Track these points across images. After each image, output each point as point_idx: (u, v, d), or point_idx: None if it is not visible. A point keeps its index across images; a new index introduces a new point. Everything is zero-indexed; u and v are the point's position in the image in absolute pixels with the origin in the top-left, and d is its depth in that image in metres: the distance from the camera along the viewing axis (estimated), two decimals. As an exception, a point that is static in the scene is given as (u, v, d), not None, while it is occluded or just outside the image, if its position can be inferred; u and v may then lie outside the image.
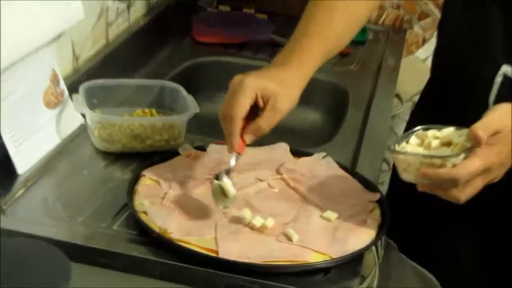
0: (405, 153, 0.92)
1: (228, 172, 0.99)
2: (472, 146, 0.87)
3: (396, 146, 0.95)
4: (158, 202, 1.01)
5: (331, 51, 1.06)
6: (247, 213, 0.98)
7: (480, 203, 0.90)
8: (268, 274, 0.91)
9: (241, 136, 0.98)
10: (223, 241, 0.94)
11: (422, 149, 0.93)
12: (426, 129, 0.96)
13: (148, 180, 1.07)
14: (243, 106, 0.94)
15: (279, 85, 0.97)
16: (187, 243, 0.93)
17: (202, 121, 1.33)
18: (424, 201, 0.96)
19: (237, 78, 0.97)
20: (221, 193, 0.98)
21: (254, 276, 0.90)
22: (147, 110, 1.26)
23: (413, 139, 0.95)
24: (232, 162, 1.00)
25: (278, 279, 0.90)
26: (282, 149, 1.19)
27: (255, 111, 0.98)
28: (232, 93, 0.95)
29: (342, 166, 1.16)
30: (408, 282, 1.19)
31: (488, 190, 0.89)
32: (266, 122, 0.97)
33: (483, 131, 0.86)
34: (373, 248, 1.09)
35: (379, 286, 1.25)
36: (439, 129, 0.95)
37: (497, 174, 0.88)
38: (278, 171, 1.13)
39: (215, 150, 1.16)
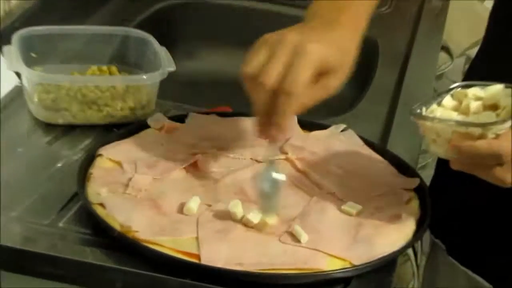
0: (433, 118, 0.92)
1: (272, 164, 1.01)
2: None
3: (423, 109, 0.95)
4: (120, 191, 1.02)
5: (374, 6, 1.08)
6: (237, 207, 0.98)
7: None
8: (267, 286, 0.91)
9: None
10: (207, 242, 0.94)
11: (457, 114, 0.93)
12: (466, 87, 0.96)
13: (107, 161, 1.07)
14: (306, 81, 0.93)
15: (341, 56, 0.97)
16: (159, 245, 0.93)
17: (179, 82, 1.33)
18: (484, 190, 0.96)
19: (293, 37, 0.94)
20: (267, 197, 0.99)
21: (249, 289, 0.91)
22: (104, 67, 1.26)
23: (448, 100, 0.95)
24: (275, 151, 1.02)
25: (281, 293, 0.91)
26: (287, 119, 1.20)
27: None
28: (292, 62, 0.93)
29: (368, 143, 1.16)
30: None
31: None
32: (311, 99, 0.96)
33: None
34: (410, 252, 1.09)
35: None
36: (484, 87, 0.95)
37: None
38: (281, 150, 1.13)
39: (196, 121, 1.17)
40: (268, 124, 0.96)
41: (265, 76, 0.93)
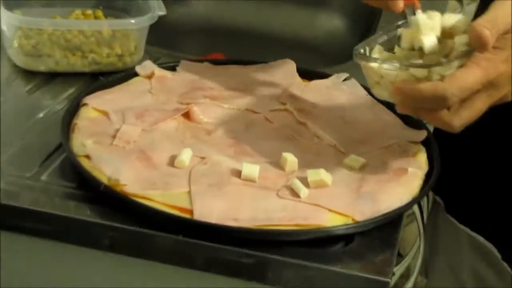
0: (375, 60, 0.92)
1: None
2: (470, 50, 0.87)
3: (366, 48, 0.95)
4: (107, 142, 1.01)
5: None
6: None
7: None
8: (265, 244, 0.91)
9: None
10: (200, 196, 0.94)
11: (400, 52, 0.93)
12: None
13: (93, 111, 1.07)
14: None
15: None
16: (148, 199, 0.93)
17: (170, 28, 1.32)
18: (483, 147, 0.96)
19: None
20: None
21: (245, 246, 0.90)
22: (89, 11, 1.25)
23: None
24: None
25: (279, 251, 0.90)
26: (286, 68, 1.19)
27: None
28: None
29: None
30: (461, 251, 1.21)
31: None
32: None
33: (490, 28, 0.85)
34: (416, 209, 1.09)
35: (425, 257, 1.27)
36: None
37: (506, 91, 0.89)
38: (279, 100, 1.13)
39: (188, 69, 1.16)
40: None
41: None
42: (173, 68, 1.17)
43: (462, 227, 1.19)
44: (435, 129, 1.25)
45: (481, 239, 1.17)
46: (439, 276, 1.26)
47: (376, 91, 0.94)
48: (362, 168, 1.02)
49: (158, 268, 0.93)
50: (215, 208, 0.93)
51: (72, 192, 0.97)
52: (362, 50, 0.94)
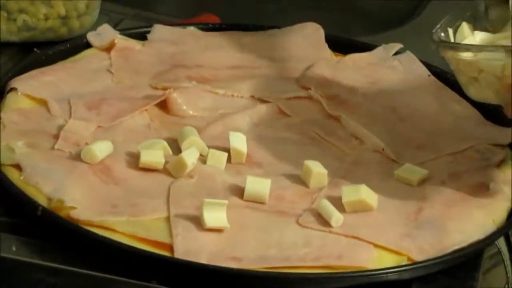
0: (467, 47, 0.94)
1: None
2: None
3: (448, 30, 0.97)
4: (46, 146, 1.03)
5: None
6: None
7: None
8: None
9: None
10: (184, 225, 0.95)
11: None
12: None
13: (24, 99, 1.08)
14: None
15: None
16: (108, 229, 0.94)
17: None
18: None
19: None
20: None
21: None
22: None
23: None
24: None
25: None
26: (308, 35, 1.21)
27: None
28: None
29: (438, 72, 1.18)
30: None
31: None
32: None
33: None
34: (502, 244, 1.10)
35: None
36: None
37: None
38: (300, 83, 1.15)
39: (165, 37, 1.18)
40: None
41: None
42: (142, 36, 1.18)
43: None
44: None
45: None
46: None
47: (472, 91, 0.96)
48: (423, 183, 1.03)
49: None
50: (205, 242, 0.94)
51: (-3, 220, 0.99)
52: (442, 34, 0.95)
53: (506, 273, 1.14)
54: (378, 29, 1.27)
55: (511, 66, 0.91)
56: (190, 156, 1.01)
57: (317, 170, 1.02)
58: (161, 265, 0.93)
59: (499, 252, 1.11)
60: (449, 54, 0.94)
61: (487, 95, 0.94)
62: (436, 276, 0.96)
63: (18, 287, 0.95)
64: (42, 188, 0.97)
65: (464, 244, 0.97)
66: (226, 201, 0.97)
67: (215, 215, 0.95)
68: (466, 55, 0.93)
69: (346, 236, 0.96)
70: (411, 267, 0.95)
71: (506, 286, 1.15)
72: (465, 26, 0.96)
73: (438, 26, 0.96)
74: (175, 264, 0.92)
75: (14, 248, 0.95)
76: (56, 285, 0.94)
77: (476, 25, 0.96)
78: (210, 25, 1.22)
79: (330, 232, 0.97)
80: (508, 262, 1.14)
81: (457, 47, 0.93)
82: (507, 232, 1.05)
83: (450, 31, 0.95)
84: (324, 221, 0.97)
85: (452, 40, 0.95)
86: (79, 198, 0.97)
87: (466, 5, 0.97)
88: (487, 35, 0.96)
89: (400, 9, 1.25)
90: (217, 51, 1.17)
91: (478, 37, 0.96)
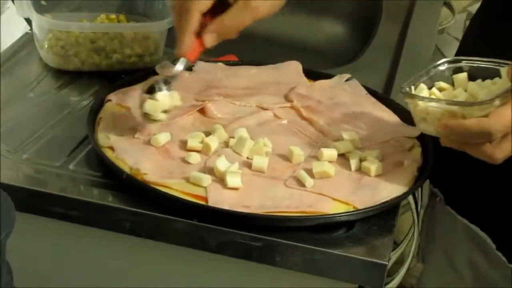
0: (422, 98, 0.93)
1: (167, 82, 1.00)
2: (510, 89, 0.87)
3: (413, 87, 0.95)
4: (129, 135, 1.01)
5: None
6: (245, 143, 0.99)
7: None
8: (273, 229, 0.91)
9: (199, 37, 0.98)
10: (214, 185, 0.94)
11: (448, 92, 0.93)
12: (454, 62, 0.96)
13: (116, 106, 1.07)
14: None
15: None
16: (167, 187, 0.93)
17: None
18: None
19: None
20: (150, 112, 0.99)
21: (255, 231, 0.91)
22: (113, 16, 1.25)
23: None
24: (179, 67, 1.00)
25: (286, 235, 0.91)
26: (293, 69, 1.18)
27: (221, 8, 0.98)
28: None
29: (372, 92, 1.16)
30: (456, 241, 1.20)
31: None
32: (233, 20, 0.97)
33: None
34: (411, 200, 1.09)
35: (421, 248, 1.26)
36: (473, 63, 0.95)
37: None
38: (287, 98, 1.13)
39: (204, 69, 1.16)
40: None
41: None
42: (190, 68, 1.16)
43: (459, 218, 1.19)
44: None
45: (477, 229, 1.16)
46: (435, 263, 1.26)
47: (422, 126, 0.94)
48: (363, 160, 1.01)
49: (175, 250, 0.94)
50: (227, 196, 0.93)
51: (97, 180, 0.97)
52: (408, 89, 0.94)
53: (413, 216, 1.13)
54: (335, 65, 1.25)
55: (445, 114, 0.90)
56: (212, 142, 0.99)
57: (297, 152, 1.00)
58: (200, 209, 0.92)
59: (408, 203, 1.10)
60: (410, 101, 0.93)
61: (430, 130, 0.93)
62: (370, 218, 0.95)
63: (109, 225, 0.94)
64: (127, 161, 0.96)
65: (388, 198, 0.96)
66: (240, 170, 0.95)
67: (234, 179, 0.94)
68: (420, 103, 0.92)
69: (315, 193, 0.95)
70: (355, 212, 0.94)
71: (412, 225, 1.14)
72: (422, 85, 0.95)
73: (406, 83, 0.95)
74: (208, 209, 0.91)
75: (110, 199, 0.94)
76: (134, 222, 0.93)
77: (429, 85, 0.96)
78: (231, 61, 1.20)
79: (305, 190, 0.95)
80: (414, 210, 1.12)
81: (415, 97, 0.93)
82: (414, 192, 1.04)
83: (412, 87, 0.95)
84: (301, 184, 0.96)
85: (413, 93, 0.94)
86: (149, 168, 0.95)
87: (429, 68, 0.97)
88: (432, 92, 0.96)
89: (347, 53, 1.23)
90: (235, 77, 1.15)
91: (425, 93, 0.95)
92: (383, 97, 1.15)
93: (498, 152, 0.88)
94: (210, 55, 1.23)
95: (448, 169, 1.16)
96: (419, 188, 1.12)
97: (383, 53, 1.33)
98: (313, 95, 1.13)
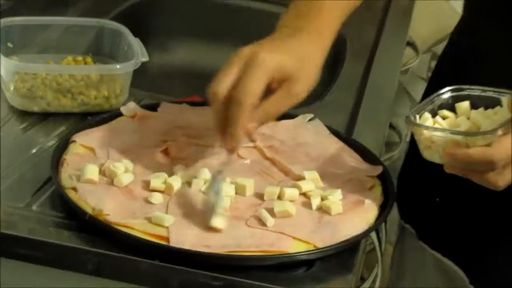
0: (427, 127, 0.95)
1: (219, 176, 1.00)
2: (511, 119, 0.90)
3: (417, 117, 0.97)
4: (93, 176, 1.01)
5: (353, 7, 1.09)
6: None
7: None
8: (234, 268, 0.92)
9: None
10: (176, 225, 0.94)
11: (451, 120, 0.95)
12: (457, 91, 0.98)
13: (80, 147, 1.07)
14: (257, 90, 0.94)
15: (299, 63, 0.97)
16: (129, 227, 0.93)
17: (152, 73, 1.33)
18: (454, 178, 0.97)
19: (246, 50, 0.96)
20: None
21: (217, 271, 0.91)
22: (80, 57, 1.26)
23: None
24: (226, 160, 1.01)
25: (247, 274, 0.91)
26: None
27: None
28: (244, 72, 0.94)
29: (334, 132, 1.17)
30: (428, 276, 1.21)
31: None
32: (276, 107, 0.98)
33: None
34: (374, 238, 1.10)
35: (391, 282, 1.27)
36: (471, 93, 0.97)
37: None
38: (251, 137, 1.12)
39: (168, 110, 1.17)
40: (225, 134, 0.97)
41: (217, 86, 0.95)
42: (154, 109, 1.17)
43: (432, 252, 1.20)
44: (408, 157, 1.27)
45: (450, 263, 1.17)
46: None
47: (426, 153, 0.95)
48: (324, 200, 1.02)
49: (138, 291, 0.94)
50: (189, 236, 0.93)
51: (60, 221, 0.97)
52: (413, 118, 0.96)
53: (376, 253, 1.14)
54: (300, 105, 1.25)
55: (449, 142, 0.92)
56: (175, 182, 1.00)
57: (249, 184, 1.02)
58: (161, 250, 0.92)
59: (373, 242, 1.11)
60: (415, 130, 0.95)
61: (435, 158, 0.94)
62: (330, 257, 0.95)
63: (73, 266, 0.94)
64: (89, 202, 0.96)
65: (348, 236, 0.97)
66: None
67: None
68: (425, 132, 0.94)
69: (276, 232, 0.96)
70: (315, 251, 0.94)
71: (376, 262, 1.15)
72: (427, 114, 0.97)
73: (411, 112, 0.97)
74: (170, 249, 0.92)
75: (73, 240, 0.94)
76: (97, 262, 0.93)
77: (432, 113, 0.98)
78: (195, 102, 1.21)
79: (266, 229, 0.96)
80: (377, 247, 1.13)
81: (420, 126, 0.95)
82: (376, 229, 1.05)
83: (417, 116, 0.97)
84: (262, 223, 0.97)
85: (419, 122, 0.96)
86: (112, 208, 0.96)
87: (433, 97, 0.99)
88: (440, 120, 0.98)
89: (312, 92, 1.25)
90: (199, 118, 1.16)
91: (430, 121, 0.97)
92: (345, 136, 1.17)
93: (501, 180, 0.91)
94: (175, 95, 1.24)
95: (420, 204, 1.17)
96: (383, 225, 1.13)
97: (347, 93, 1.35)
98: (277, 135, 1.14)
